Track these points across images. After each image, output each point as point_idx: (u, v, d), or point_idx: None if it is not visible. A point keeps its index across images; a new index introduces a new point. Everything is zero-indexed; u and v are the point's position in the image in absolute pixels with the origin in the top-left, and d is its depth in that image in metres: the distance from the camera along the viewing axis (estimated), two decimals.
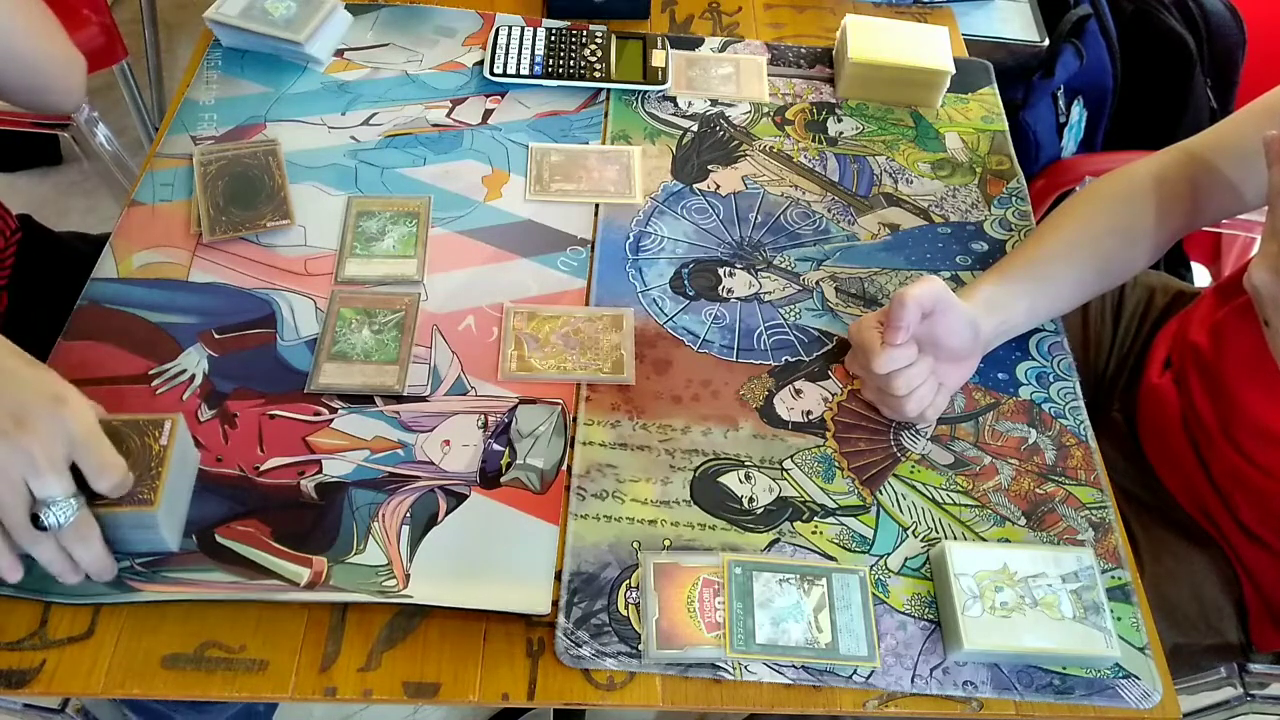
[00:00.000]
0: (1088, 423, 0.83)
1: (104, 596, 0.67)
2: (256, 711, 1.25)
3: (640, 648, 0.68)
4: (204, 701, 0.88)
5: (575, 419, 0.79)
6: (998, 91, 1.10)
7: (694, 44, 1.11)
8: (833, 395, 0.83)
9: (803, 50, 1.12)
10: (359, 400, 0.79)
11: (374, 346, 0.82)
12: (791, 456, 0.79)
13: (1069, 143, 1.40)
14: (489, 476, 0.75)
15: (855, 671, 0.68)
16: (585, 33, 1.07)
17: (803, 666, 0.68)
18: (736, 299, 0.88)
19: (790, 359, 0.85)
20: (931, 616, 0.71)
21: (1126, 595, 0.73)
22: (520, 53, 1.05)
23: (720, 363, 0.84)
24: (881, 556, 0.74)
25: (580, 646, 0.68)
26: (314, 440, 0.76)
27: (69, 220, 1.08)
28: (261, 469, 0.74)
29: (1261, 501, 0.87)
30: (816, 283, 0.90)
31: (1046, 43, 1.30)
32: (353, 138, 0.97)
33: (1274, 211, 0.68)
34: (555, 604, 0.69)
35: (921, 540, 0.75)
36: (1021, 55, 1.30)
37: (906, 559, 0.74)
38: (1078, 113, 1.39)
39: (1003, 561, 0.71)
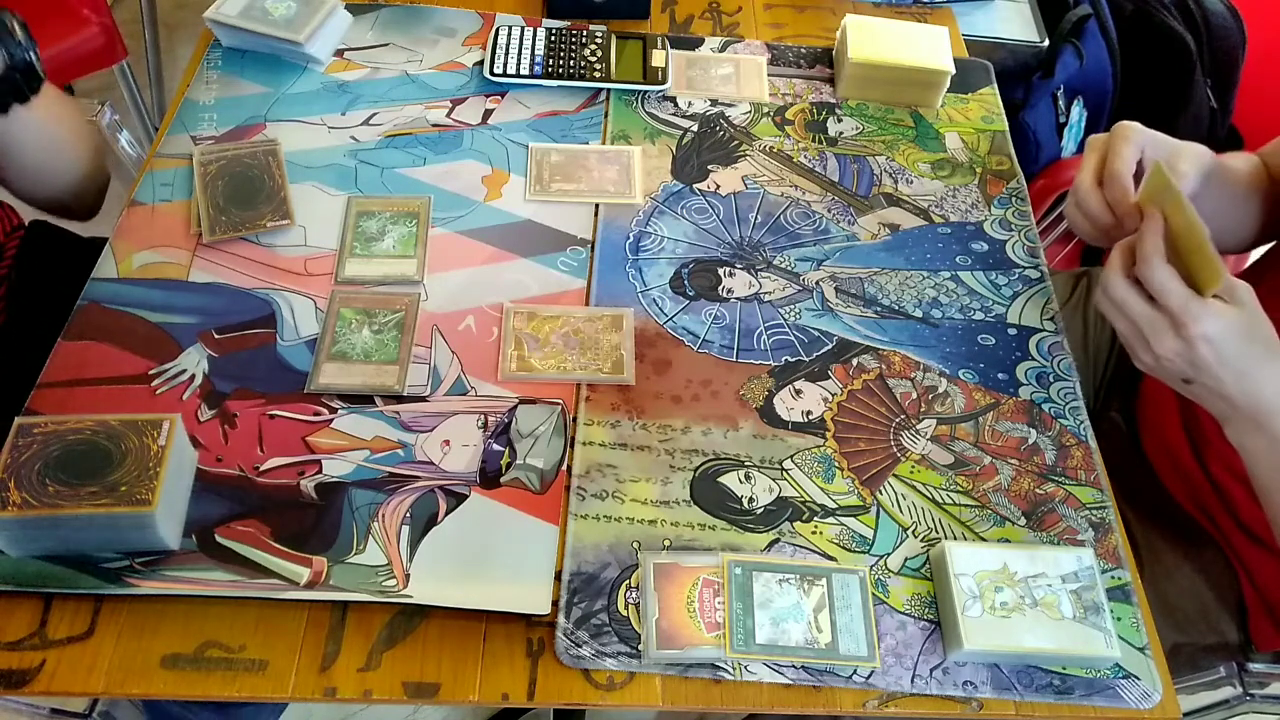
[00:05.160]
0: (1088, 423, 0.83)
1: (103, 589, 0.67)
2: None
3: (640, 648, 0.68)
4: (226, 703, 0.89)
5: (575, 419, 0.79)
6: (998, 91, 1.10)
7: (694, 44, 1.11)
8: (833, 395, 0.83)
9: (803, 50, 1.12)
10: (359, 400, 0.79)
11: (374, 346, 0.82)
12: (791, 456, 0.79)
13: (1069, 143, 1.40)
14: (489, 476, 0.75)
15: (855, 671, 0.68)
16: (585, 33, 1.07)
17: (803, 666, 0.68)
18: (736, 299, 0.88)
19: (790, 359, 0.85)
20: (931, 616, 0.71)
21: (1126, 595, 0.73)
22: (520, 53, 1.04)
23: (720, 363, 0.84)
24: (881, 556, 0.74)
25: (580, 646, 0.68)
26: (314, 440, 0.76)
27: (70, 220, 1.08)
28: (261, 469, 0.74)
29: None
30: (816, 283, 0.90)
31: (1046, 43, 1.30)
32: (353, 138, 0.97)
33: (1159, 288, 0.68)
34: (555, 604, 0.69)
35: (921, 540, 0.75)
36: (1021, 55, 1.30)
37: (906, 559, 0.74)
38: (1078, 113, 1.39)
39: (1003, 561, 0.71)
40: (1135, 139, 0.77)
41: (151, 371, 0.79)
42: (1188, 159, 0.78)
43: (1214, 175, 0.81)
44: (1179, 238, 0.68)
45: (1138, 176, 0.77)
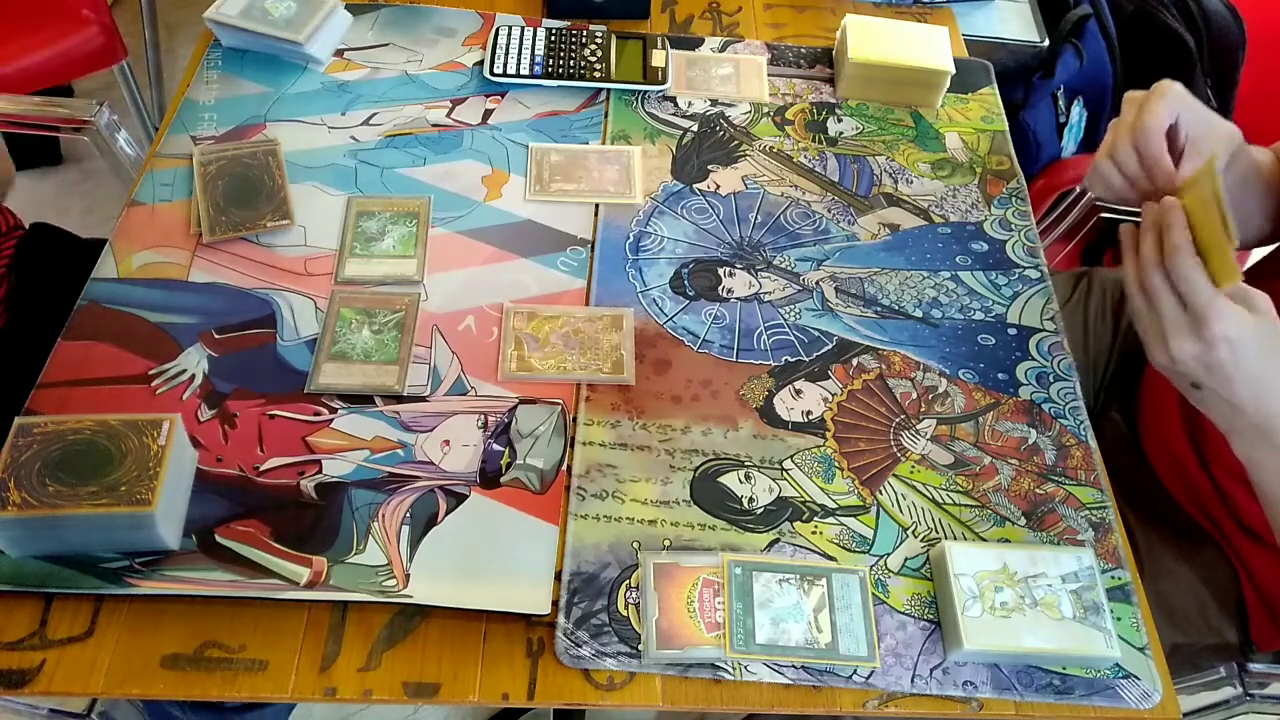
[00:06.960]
0: (1088, 423, 0.83)
1: (103, 589, 0.67)
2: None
3: (640, 648, 0.68)
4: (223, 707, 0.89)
5: (575, 419, 0.79)
6: (998, 91, 1.10)
7: (694, 44, 1.11)
8: (833, 395, 0.83)
9: (803, 50, 1.12)
10: (359, 400, 0.79)
11: (374, 346, 0.82)
12: (791, 456, 0.79)
13: (1069, 143, 1.40)
14: (489, 476, 0.75)
15: (855, 671, 0.68)
16: (585, 33, 1.07)
17: (802, 666, 0.68)
18: (736, 299, 0.88)
19: (790, 359, 0.85)
20: (931, 616, 0.71)
21: (1126, 595, 0.73)
22: (520, 53, 1.05)
23: (720, 363, 0.84)
24: (881, 556, 0.74)
25: (580, 646, 0.68)
26: (314, 440, 0.76)
27: (69, 220, 1.08)
28: (261, 469, 0.74)
29: None
30: (816, 283, 0.90)
31: (1046, 43, 1.30)
32: (353, 138, 0.97)
33: (1152, 295, 0.68)
34: (555, 604, 0.69)
35: (921, 540, 0.75)
36: (1021, 55, 1.30)
37: (906, 559, 0.74)
38: (1077, 113, 1.39)
39: (1003, 561, 0.71)
40: (1171, 99, 0.75)
41: (151, 371, 0.79)
42: (1221, 140, 0.76)
43: (1237, 161, 0.79)
44: (1204, 241, 0.67)
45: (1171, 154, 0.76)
